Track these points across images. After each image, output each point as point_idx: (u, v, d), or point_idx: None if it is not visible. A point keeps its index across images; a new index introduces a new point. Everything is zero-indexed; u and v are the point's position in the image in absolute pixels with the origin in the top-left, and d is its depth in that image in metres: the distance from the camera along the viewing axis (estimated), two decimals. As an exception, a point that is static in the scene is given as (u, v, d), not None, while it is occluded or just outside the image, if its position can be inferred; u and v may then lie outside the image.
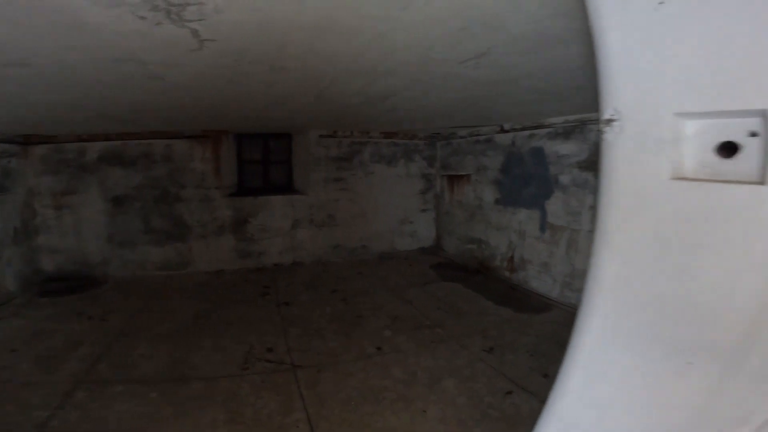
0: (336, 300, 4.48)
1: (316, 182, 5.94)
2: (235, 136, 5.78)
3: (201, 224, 5.47)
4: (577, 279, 4.15)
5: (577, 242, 4.17)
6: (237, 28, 1.75)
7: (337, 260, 6.06)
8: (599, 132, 0.95)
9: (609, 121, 0.91)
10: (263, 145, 6.11)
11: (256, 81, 2.67)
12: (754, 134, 0.75)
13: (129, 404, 2.53)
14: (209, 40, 1.85)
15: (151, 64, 2.19)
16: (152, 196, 5.28)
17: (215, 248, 5.55)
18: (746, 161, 0.76)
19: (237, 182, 5.89)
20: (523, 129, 4.81)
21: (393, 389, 2.72)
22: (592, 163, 3.97)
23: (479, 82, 2.75)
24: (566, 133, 4.27)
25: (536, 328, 3.73)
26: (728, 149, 0.79)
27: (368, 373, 2.93)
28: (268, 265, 5.76)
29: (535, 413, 1.40)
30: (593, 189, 3.96)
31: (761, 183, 0.72)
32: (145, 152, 5.21)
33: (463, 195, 6.08)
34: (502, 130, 5.12)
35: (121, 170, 5.14)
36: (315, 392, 2.68)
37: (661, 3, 0.85)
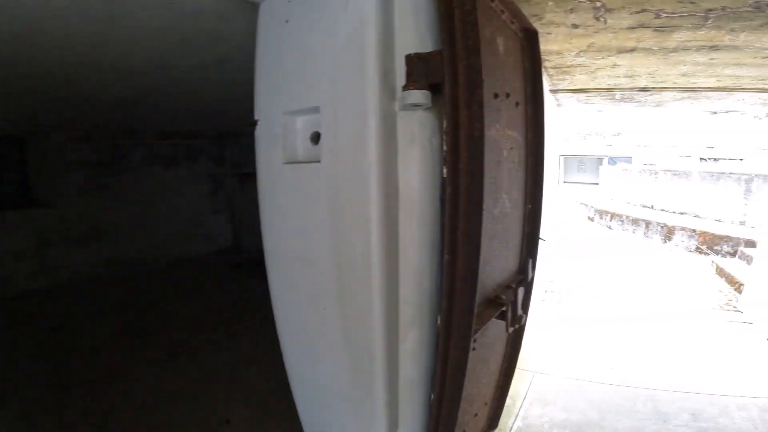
0: (115, 317, 3.99)
1: (69, 191, 5.00)
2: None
3: None
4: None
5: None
6: None
7: (114, 276, 5.31)
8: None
9: (255, 122, 1.28)
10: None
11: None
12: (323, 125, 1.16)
13: None
14: None
15: None
16: None
17: None
18: (320, 146, 1.14)
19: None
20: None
21: (192, 387, 2.71)
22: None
23: (233, 82, 2.90)
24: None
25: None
26: (317, 138, 1.19)
27: (162, 378, 2.83)
28: (7, 296, 4.53)
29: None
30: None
31: (318, 161, 1.12)
32: None
33: (256, 192, 6.22)
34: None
35: None
36: (100, 406, 2.47)
37: (287, 21, 1.10)
